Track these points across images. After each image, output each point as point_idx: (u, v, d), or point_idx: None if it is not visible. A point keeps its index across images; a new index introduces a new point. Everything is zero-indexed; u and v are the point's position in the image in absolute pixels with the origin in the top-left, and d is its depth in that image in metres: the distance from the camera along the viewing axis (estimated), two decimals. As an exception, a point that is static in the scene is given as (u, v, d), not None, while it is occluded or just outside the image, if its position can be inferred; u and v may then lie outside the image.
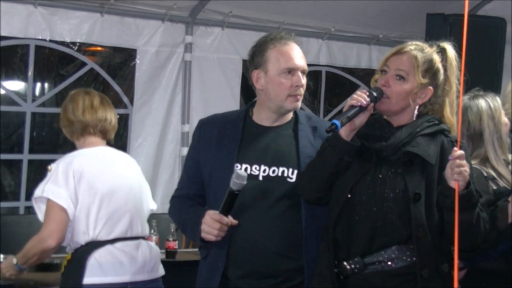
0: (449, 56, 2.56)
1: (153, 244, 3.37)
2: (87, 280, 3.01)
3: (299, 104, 2.72)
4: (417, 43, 2.56)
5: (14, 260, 3.17)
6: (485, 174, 2.95)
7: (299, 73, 2.67)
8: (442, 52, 2.57)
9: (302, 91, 2.69)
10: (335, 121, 2.39)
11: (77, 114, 3.20)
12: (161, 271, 3.28)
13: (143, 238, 3.25)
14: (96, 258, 3.04)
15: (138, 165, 3.43)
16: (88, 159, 3.17)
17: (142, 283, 3.14)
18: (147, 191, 3.39)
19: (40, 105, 5.50)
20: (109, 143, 3.36)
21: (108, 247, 3.08)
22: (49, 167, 3.13)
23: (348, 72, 6.29)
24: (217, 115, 2.86)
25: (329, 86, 6.26)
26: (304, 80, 2.69)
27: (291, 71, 2.66)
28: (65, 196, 3.04)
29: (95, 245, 3.07)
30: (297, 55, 2.69)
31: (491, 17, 5.43)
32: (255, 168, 2.67)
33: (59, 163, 3.12)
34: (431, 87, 2.52)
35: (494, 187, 2.92)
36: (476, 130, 3.03)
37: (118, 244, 3.11)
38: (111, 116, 3.29)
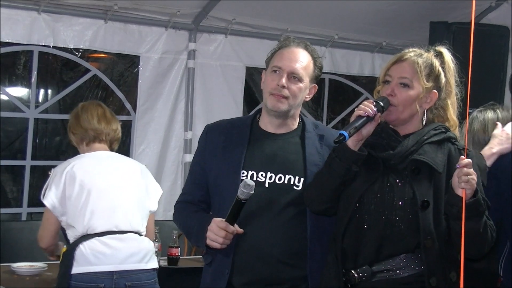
0: (446, 60, 2.59)
1: (145, 238, 3.54)
2: (75, 270, 3.30)
3: (282, 105, 2.66)
4: (415, 49, 2.58)
5: None
6: None
7: (285, 75, 2.66)
8: (439, 56, 2.60)
9: (286, 92, 2.65)
10: (343, 131, 2.38)
11: (93, 122, 3.51)
12: (152, 264, 3.48)
13: (135, 232, 3.46)
14: (82, 250, 3.32)
15: (147, 169, 3.67)
16: (84, 161, 3.46)
17: (128, 273, 3.37)
18: (153, 193, 3.63)
19: (43, 111, 5.50)
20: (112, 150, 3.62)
21: (95, 239, 3.34)
22: (49, 172, 3.45)
23: (351, 80, 6.28)
24: (223, 121, 2.86)
25: (332, 93, 6.25)
26: (297, 86, 2.66)
27: (278, 70, 2.67)
28: (52, 198, 3.35)
29: (84, 238, 3.35)
30: (291, 58, 2.68)
31: (495, 25, 5.42)
32: (261, 175, 2.65)
33: (56, 168, 3.45)
34: (435, 91, 2.54)
35: None
36: (481, 139, 3.15)
37: (105, 237, 3.36)
38: (119, 127, 3.63)
